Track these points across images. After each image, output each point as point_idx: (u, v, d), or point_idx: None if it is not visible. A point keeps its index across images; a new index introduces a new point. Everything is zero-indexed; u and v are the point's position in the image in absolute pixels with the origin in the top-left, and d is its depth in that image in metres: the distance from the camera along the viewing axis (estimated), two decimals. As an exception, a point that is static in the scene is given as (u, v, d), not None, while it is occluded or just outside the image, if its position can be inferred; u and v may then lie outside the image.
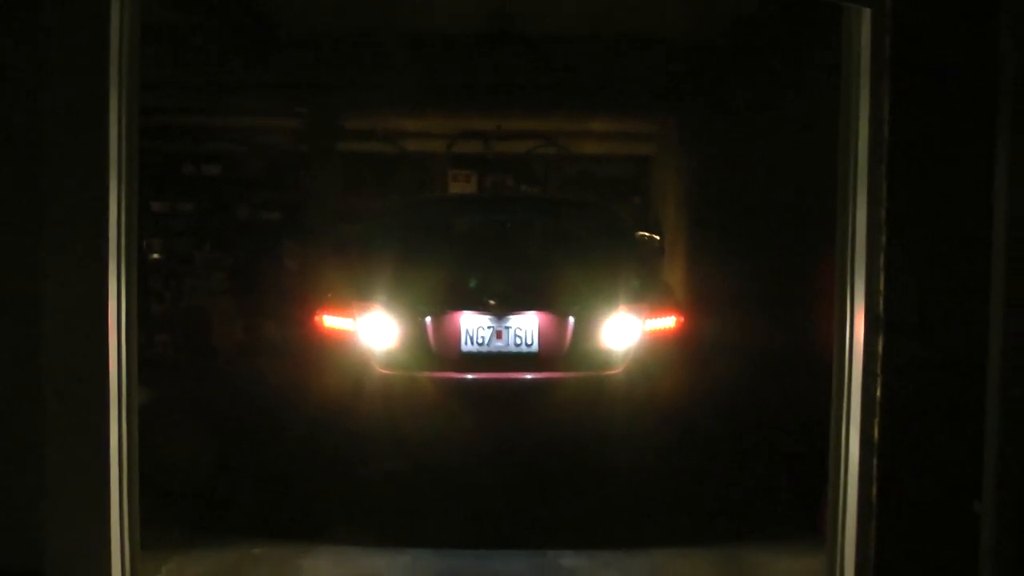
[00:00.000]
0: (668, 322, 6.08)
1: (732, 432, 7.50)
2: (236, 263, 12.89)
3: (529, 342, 5.88)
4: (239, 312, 12.37)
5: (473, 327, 5.87)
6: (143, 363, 4.35)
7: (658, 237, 8.37)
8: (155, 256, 12.63)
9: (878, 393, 4.20)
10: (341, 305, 6.05)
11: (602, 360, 5.92)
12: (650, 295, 6.26)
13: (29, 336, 4.17)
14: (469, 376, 5.89)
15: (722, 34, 8.66)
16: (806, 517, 5.10)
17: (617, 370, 5.90)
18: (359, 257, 6.80)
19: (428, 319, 5.87)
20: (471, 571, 4.93)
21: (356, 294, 6.05)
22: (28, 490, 4.21)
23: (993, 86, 4.13)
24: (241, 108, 11.82)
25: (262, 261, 12.86)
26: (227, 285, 12.66)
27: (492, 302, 5.87)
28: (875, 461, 4.23)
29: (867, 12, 4.22)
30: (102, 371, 4.18)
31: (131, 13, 4.27)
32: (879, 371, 4.19)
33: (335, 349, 6.00)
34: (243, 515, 5.62)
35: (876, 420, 4.21)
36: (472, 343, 5.87)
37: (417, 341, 5.88)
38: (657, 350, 6.00)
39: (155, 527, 4.59)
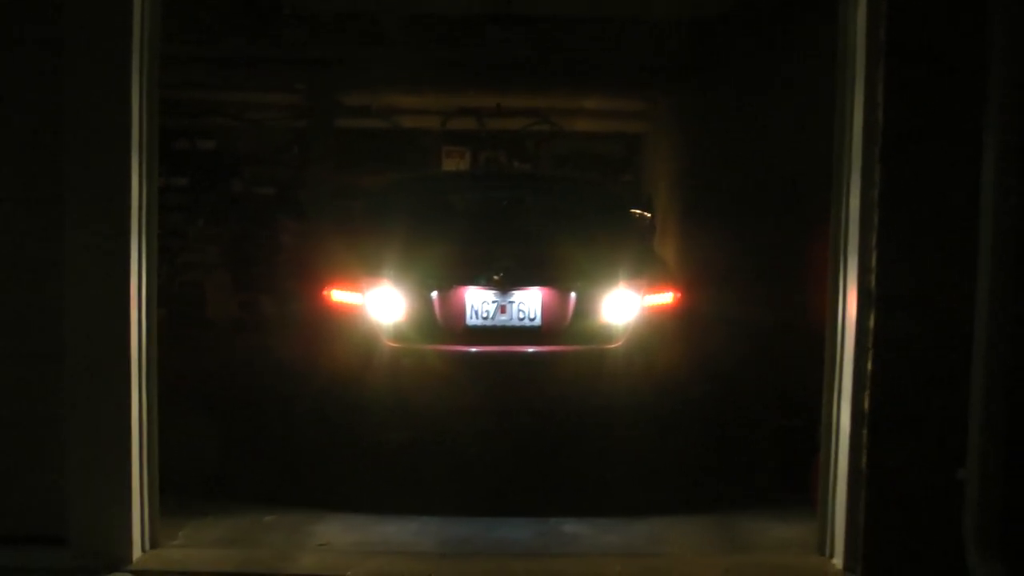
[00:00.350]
0: (666, 298, 6.22)
1: (727, 404, 7.64)
2: (231, 238, 12.96)
3: (532, 316, 6.01)
4: (234, 286, 12.45)
5: (478, 302, 6.01)
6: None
7: (649, 214, 8.49)
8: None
9: (869, 366, 4.37)
10: (350, 280, 6.17)
11: (602, 334, 6.06)
12: (648, 271, 6.39)
13: (50, 305, 4.33)
14: (474, 349, 6.03)
15: (716, 15, 8.77)
16: (799, 486, 5.23)
17: (617, 344, 6.04)
18: (366, 233, 6.91)
19: (434, 294, 6.00)
20: (476, 537, 5.03)
21: (364, 269, 6.16)
22: (51, 457, 4.38)
23: (983, 70, 4.27)
24: (239, 83, 11.92)
25: (257, 236, 12.92)
26: (222, 260, 12.74)
27: (496, 277, 5.99)
28: (865, 432, 4.39)
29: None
30: (124, 339, 4.33)
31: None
32: (870, 345, 4.36)
33: (344, 322, 6.11)
34: (254, 485, 5.74)
35: (867, 392, 4.38)
36: (477, 317, 6.01)
37: (424, 315, 6.00)
38: (655, 325, 6.14)
39: (170, 496, 4.73)
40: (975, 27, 4.26)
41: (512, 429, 6.57)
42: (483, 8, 8.80)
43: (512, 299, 6.00)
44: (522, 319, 6.01)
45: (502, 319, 6.01)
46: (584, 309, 6.04)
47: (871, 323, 4.36)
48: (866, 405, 4.40)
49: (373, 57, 10.16)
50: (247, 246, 12.67)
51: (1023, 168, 4.24)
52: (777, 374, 7.27)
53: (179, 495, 5.00)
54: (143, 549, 4.50)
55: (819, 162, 4.85)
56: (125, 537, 4.40)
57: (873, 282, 4.35)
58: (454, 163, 14.75)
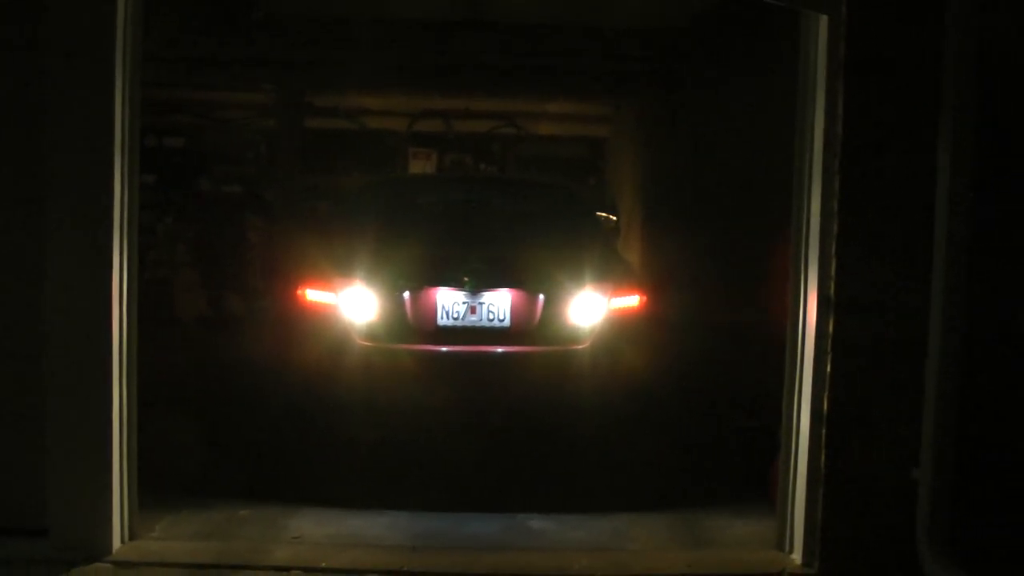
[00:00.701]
0: (632, 300, 6.36)
1: (690, 405, 7.79)
2: (198, 236, 12.95)
3: (501, 317, 6.13)
4: (202, 285, 12.46)
5: (449, 302, 6.12)
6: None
7: (614, 217, 8.63)
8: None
9: (828, 369, 4.55)
10: (323, 280, 6.26)
11: (570, 335, 6.18)
12: (615, 274, 6.52)
13: (31, 302, 4.42)
14: (444, 349, 6.13)
15: (679, 25, 8.93)
16: (760, 485, 5.38)
17: (583, 345, 6.16)
18: (339, 234, 7.00)
19: (406, 294, 6.10)
20: (446, 532, 5.16)
21: (337, 269, 6.25)
22: (32, 451, 4.47)
23: (938, 85, 4.46)
24: (208, 82, 11.91)
25: (225, 234, 12.94)
26: (190, 258, 12.74)
27: (467, 279, 6.10)
28: (823, 431, 4.57)
29: (824, 19, 4.54)
30: (106, 336, 4.44)
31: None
32: (829, 349, 4.54)
33: (317, 321, 6.20)
34: (230, 480, 5.82)
35: (825, 394, 4.56)
36: (448, 318, 6.12)
37: (396, 315, 6.10)
38: (621, 326, 6.26)
39: (148, 491, 4.83)
40: (930, 44, 4.44)
41: (482, 427, 6.67)
42: (451, 14, 8.90)
43: (482, 300, 6.11)
44: (491, 320, 6.12)
45: (472, 320, 6.12)
46: (552, 311, 6.16)
47: (830, 328, 4.54)
48: (825, 406, 4.57)
49: (342, 59, 10.23)
50: (215, 244, 12.68)
51: (975, 179, 4.44)
52: (740, 375, 7.41)
53: (156, 490, 5.09)
54: (122, 541, 4.60)
55: (778, 167, 5.00)
56: (105, 529, 4.50)
57: (832, 288, 4.53)
58: (421, 164, 14.83)
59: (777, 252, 5.14)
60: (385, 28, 9.40)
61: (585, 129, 15.04)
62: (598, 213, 8.11)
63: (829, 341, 4.55)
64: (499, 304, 6.13)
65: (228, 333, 11.00)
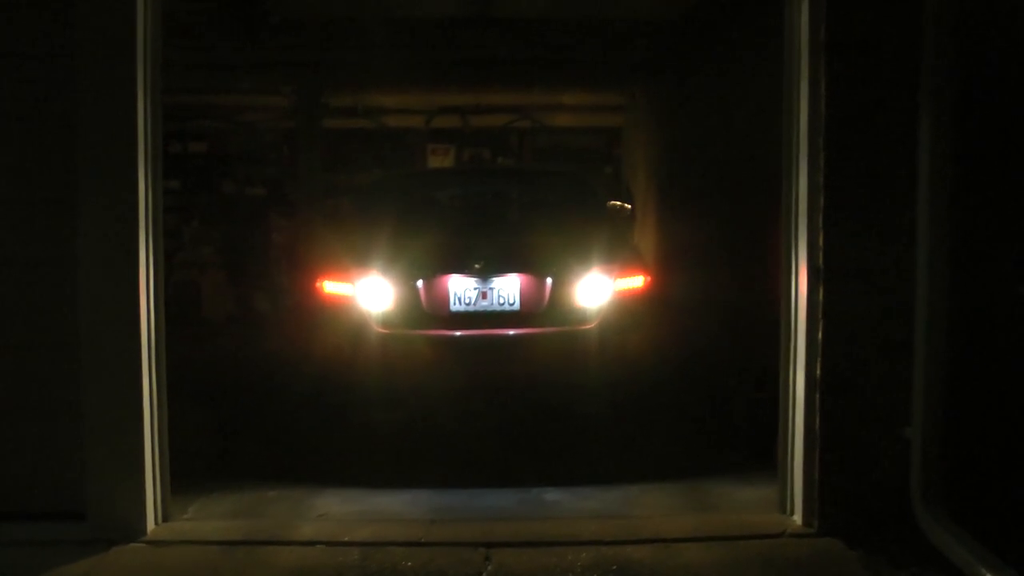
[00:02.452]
0: (636, 281, 6.58)
1: (697, 379, 7.94)
2: (224, 237, 13.14)
3: (511, 301, 6.35)
4: (230, 284, 12.68)
5: (461, 289, 6.36)
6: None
7: (629, 205, 8.79)
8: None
9: (820, 336, 4.75)
10: (341, 271, 6.51)
11: (577, 316, 6.40)
12: (620, 257, 6.73)
13: (67, 299, 4.68)
14: (458, 333, 6.37)
15: (685, 13, 9.07)
16: (765, 454, 5.49)
17: (591, 325, 6.38)
18: (356, 227, 7.22)
19: (420, 282, 6.34)
20: (463, 505, 5.38)
21: (354, 261, 6.50)
22: (70, 439, 4.74)
23: (917, 64, 4.65)
24: (228, 87, 12.12)
25: (250, 235, 13.13)
26: (216, 259, 12.94)
27: (477, 266, 6.34)
28: (818, 396, 4.78)
29: (805, 1, 4.75)
30: (135, 329, 4.69)
31: (155, 2, 4.76)
32: (820, 316, 4.74)
33: (336, 311, 6.45)
34: (258, 465, 6.05)
35: (818, 360, 4.77)
36: (460, 303, 6.35)
37: (411, 303, 6.35)
38: (626, 306, 6.49)
39: (180, 477, 5.08)
40: (908, 21, 4.63)
41: (495, 406, 6.91)
42: (462, 10, 9.04)
43: (492, 285, 6.35)
44: (502, 304, 6.35)
45: (483, 304, 6.35)
46: (559, 293, 6.38)
47: (820, 296, 4.74)
48: (818, 372, 4.77)
49: (357, 60, 10.40)
50: (241, 245, 12.86)
51: (956, 151, 4.63)
52: (749, 351, 7.55)
53: (190, 476, 5.34)
54: (156, 522, 4.85)
55: (780, 149, 5.17)
56: (139, 511, 4.75)
57: (821, 259, 4.72)
58: (439, 160, 15.00)
59: (777, 232, 5.30)
60: (397, 27, 9.55)
61: (600, 119, 15.11)
62: (613, 201, 8.27)
63: (820, 309, 4.74)
64: (509, 288, 6.35)
65: (255, 330, 11.20)
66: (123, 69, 4.63)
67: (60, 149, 4.68)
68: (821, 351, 4.76)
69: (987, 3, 4.96)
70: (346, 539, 4.76)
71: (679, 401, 7.50)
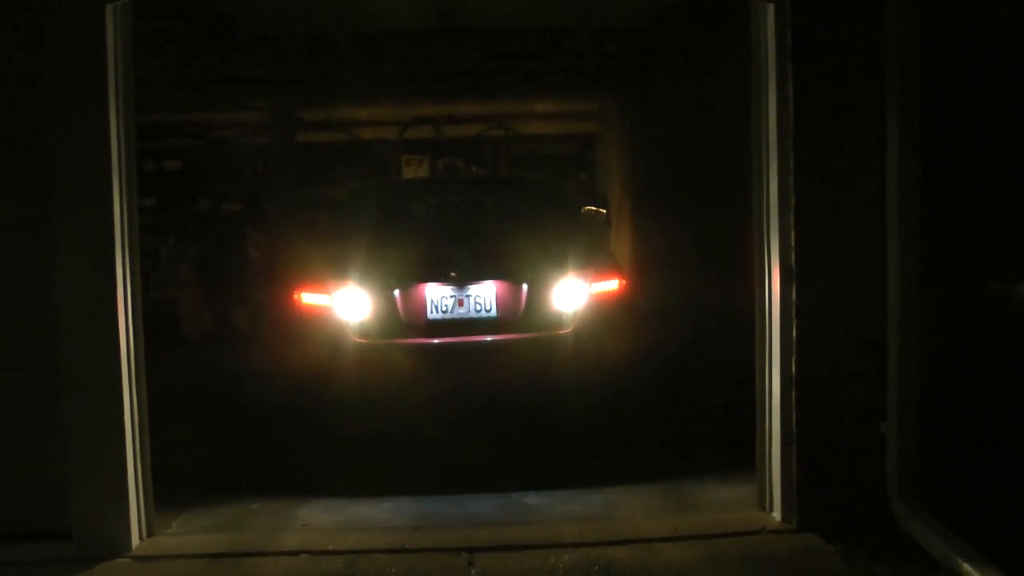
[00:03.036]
0: (612, 285, 6.62)
1: (673, 382, 8.01)
2: (201, 254, 13.09)
3: (488, 308, 6.39)
4: (207, 302, 12.65)
5: (437, 297, 6.39)
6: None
7: (604, 211, 8.83)
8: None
9: (794, 335, 4.82)
10: (318, 282, 6.53)
11: (554, 321, 6.44)
12: (595, 262, 6.77)
13: (46, 318, 4.70)
14: (435, 341, 6.40)
15: (651, 21, 9.13)
16: (744, 453, 5.49)
17: (567, 329, 6.43)
18: (332, 238, 7.24)
19: (397, 292, 6.36)
20: (445, 512, 5.41)
21: (331, 272, 6.52)
22: (53, 458, 4.76)
23: (882, 65, 4.74)
24: (200, 104, 12.10)
25: (226, 251, 13.10)
26: (193, 276, 12.91)
27: (453, 274, 6.37)
28: (794, 394, 4.84)
29: (771, 7, 4.83)
30: (114, 347, 4.71)
31: (124, 24, 4.78)
32: (794, 316, 4.81)
33: (314, 322, 6.47)
34: (240, 479, 6.07)
35: (793, 358, 4.84)
36: (437, 311, 6.39)
37: (388, 312, 6.37)
38: (602, 310, 6.53)
39: (163, 493, 5.10)
40: (873, 24, 4.73)
41: (474, 413, 6.93)
42: (431, 23, 9.08)
43: (469, 293, 6.38)
44: (479, 311, 6.38)
45: (460, 312, 6.38)
46: (536, 299, 6.42)
47: (793, 296, 4.81)
48: (793, 370, 4.84)
49: (329, 74, 10.42)
50: (218, 262, 12.83)
51: (923, 150, 4.71)
52: (728, 353, 7.58)
53: (173, 492, 5.38)
54: (141, 538, 4.87)
55: (751, 152, 5.22)
56: (124, 528, 4.78)
57: (793, 259, 4.80)
58: (413, 171, 14.99)
59: (750, 235, 5.34)
60: (366, 42, 9.60)
61: (574, 126, 15.13)
62: (588, 207, 8.32)
63: (794, 309, 4.81)
64: (485, 295, 6.39)
65: (234, 346, 11.18)
66: (95, 88, 4.66)
67: (37, 169, 4.69)
68: (796, 350, 4.82)
69: (950, 4, 5.05)
70: (330, 548, 4.79)
71: (657, 403, 7.55)
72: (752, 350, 5.15)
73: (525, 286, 6.42)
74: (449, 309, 6.37)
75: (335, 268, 6.54)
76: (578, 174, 15.19)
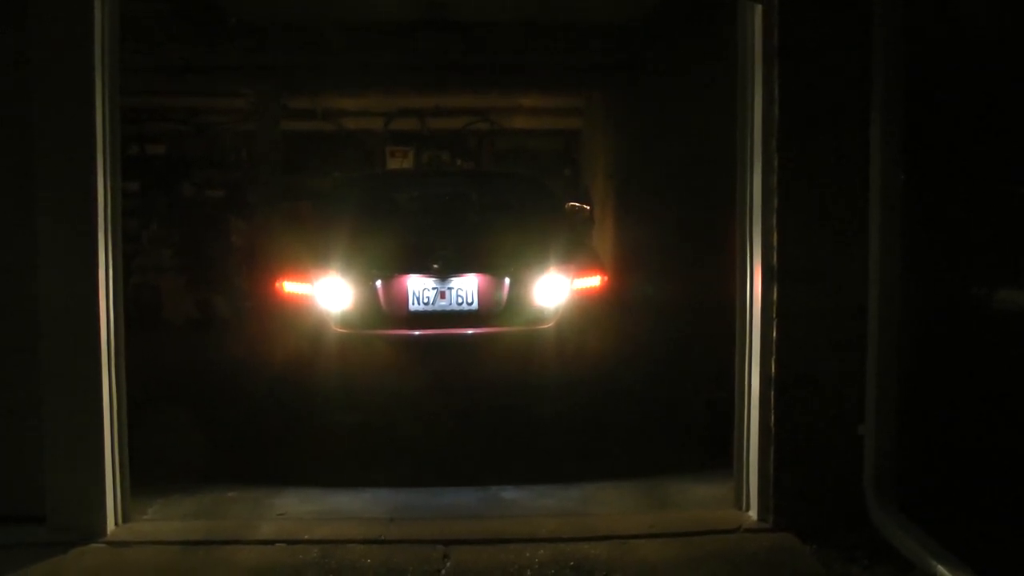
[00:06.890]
0: (593, 281, 6.61)
1: (654, 378, 8.01)
2: (183, 240, 13.11)
3: (470, 301, 6.37)
4: (189, 288, 12.65)
5: (419, 288, 6.36)
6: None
7: (588, 207, 8.85)
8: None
9: (774, 334, 4.83)
10: (300, 271, 6.50)
11: (535, 315, 6.43)
12: (578, 257, 6.77)
13: (25, 300, 4.69)
14: (416, 333, 6.37)
15: (641, 17, 9.15)
16: (723, 451, 5.48)
17: (549, 324, 6.41)
18: (315, 227, 7.22)
19: (379, 282, 6.34)
20: (423, 504, 5.42)
21: (313, 261, 6.49)
22: (29, 441, 4.74)
23: (868, 69, 4.75)
24: (186, 89, 12.10)
25: (209, 237, 13.10)
26: (176, 262, 12.91)
27: (436, 266, 6.35)
28: (772, 394, 4.85)
29: (758, 7, 4.84)
30: (94, 331, 4.70)
31: (111, 5, 4.76)
32: (774, 315, 4.82)
33: (295, 311, 6.44)
34: (217, 466, 6.05)
35: (773, 358, 4.84)
36: (419, 303, 6.36)
37: (369, 302, 6.35)
38: (584, 305, 6.52)
39: (140, 479, 5.09)
40: (858, 26, 4.74)
41: (454, 406, 6.91)
42: (417, 14, 9.08)
43: (451, 285, 6.36)
44: (460, 304, 6.36)
45: (442, 304, 6.36)
46: (517, 293, 6.41)
47: (774, 296, 4.82)
48: (773, 369, 4.85)
49: (315, 63, 10.43)
50: (200, 248, 12.83)
51: (906, 154, 4.73)
52: (709, 350, 7.60)
53: (149, 478, 5.35)
54: (116, 523, 4.86)
55: (735, 151, 5.24)
56: (99, 513, 4.77)
57: (775, 259, 4.81)
58: (398, 162, 15.00)
59: (732, 233, 5.36)
60: (354, 31, 9.60)
61: (559, 122, 15.18)
62: (570, 203, 8.32)
63: (774, 308, 4.82)
64: (467, 288, 6.37)
65: (214, 333, 11.18)
66: (81, 72, 4.63)
67: (18, 153, 4.67)
68: (776, 349, 4.84)
69: (935, 6, 5.07)
70: (306, 537, 4.79)
71: (637, 400, 7.55)
72: (731, 347, 5.16)
73: (507, 280, 6.41)
74: (431, 301, 6.36)
75: (317, 257, 6.52)
76: (562, 170, 15.22)
